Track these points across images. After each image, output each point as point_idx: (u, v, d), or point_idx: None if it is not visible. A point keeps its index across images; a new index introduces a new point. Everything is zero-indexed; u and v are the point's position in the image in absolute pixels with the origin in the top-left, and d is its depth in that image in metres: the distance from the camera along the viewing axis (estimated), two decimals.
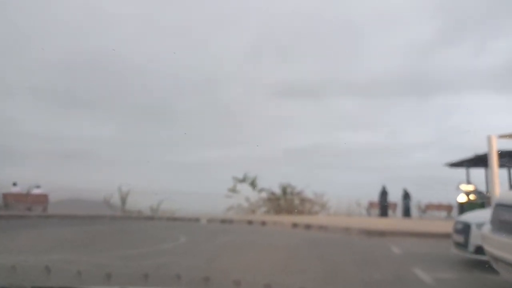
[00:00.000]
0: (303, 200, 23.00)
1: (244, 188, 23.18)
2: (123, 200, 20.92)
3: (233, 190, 22.69)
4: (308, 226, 13.34)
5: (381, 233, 11.08)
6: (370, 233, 11.20)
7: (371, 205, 22.79)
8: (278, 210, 22.22)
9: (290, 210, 22.26)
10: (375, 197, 23.29)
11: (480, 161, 24.60)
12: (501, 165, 10.87)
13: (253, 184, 23.11)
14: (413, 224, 15.21)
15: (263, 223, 15.29)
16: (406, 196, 23.42)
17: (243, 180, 23.23)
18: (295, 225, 13.99)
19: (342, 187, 25.26)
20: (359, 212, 23.57)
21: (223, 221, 16.52)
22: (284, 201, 22.55)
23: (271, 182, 23.60)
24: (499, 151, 9.59)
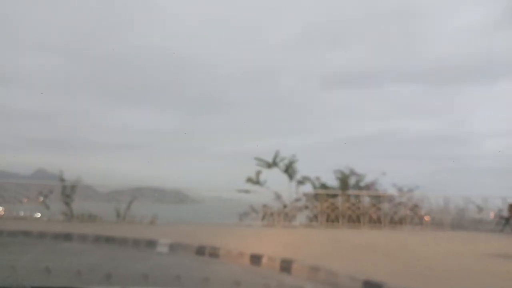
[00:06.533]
0: (380, 198, 12.94)
1: (275, 178, 13.70)
2: (67, 197, 12.33)
3: (255, 181, 13.25)
4: None
5: None
6: None
7: None
8: (333, 216, 12.42)
9: (354, 217, 12.40)
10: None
11: None
12: None
13: (289, 170, 13.50)
14: None
15: (286, 267, 5.75)
16: None
17: (273, 163, 13.71)
18: None
19: (410, 179, 14.75)
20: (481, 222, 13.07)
21: (200, 251, 7.19)
22: (345, 200, 12.67)
23: (322, 173, 13.87)
24: None
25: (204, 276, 4.15)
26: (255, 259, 6.38)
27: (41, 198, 12.28)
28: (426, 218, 13.24)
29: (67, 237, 8.55)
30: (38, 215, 12.03)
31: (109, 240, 8.29)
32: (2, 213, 12.14)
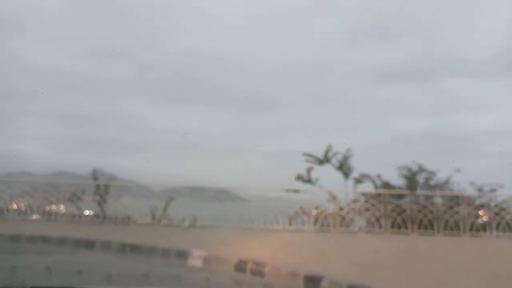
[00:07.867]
0: (457, 200, 10.78)
1: (328, 176, 11.95)
2: (100, 197, 11.33)
3: (306, 178, 11.59)
4: None
5: None
6: None
7: None
8: (400, 221, 10.46)
9: (426, 222, 10.38)
10: None
11: None
12: None
13: (344, 167, 11.70)
14: None
15: None
16: None
17: (324, 159, 11.97)
18: None
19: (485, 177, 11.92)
20: None
21: (240, 267, 5.68)
22: (414, 201, 10.67)
23: (379, 171, 11.88)
24: None
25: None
26: (312, 283, 4.76)
27: (73, 198, 11.38)
28: (485, 218, 10.96)
29: (89, 244, 7.36)
30: (67, 215, 11.16)
31: (135, 249, 6.99)
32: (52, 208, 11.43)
